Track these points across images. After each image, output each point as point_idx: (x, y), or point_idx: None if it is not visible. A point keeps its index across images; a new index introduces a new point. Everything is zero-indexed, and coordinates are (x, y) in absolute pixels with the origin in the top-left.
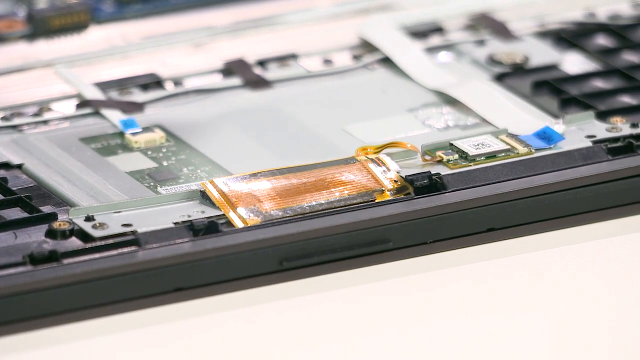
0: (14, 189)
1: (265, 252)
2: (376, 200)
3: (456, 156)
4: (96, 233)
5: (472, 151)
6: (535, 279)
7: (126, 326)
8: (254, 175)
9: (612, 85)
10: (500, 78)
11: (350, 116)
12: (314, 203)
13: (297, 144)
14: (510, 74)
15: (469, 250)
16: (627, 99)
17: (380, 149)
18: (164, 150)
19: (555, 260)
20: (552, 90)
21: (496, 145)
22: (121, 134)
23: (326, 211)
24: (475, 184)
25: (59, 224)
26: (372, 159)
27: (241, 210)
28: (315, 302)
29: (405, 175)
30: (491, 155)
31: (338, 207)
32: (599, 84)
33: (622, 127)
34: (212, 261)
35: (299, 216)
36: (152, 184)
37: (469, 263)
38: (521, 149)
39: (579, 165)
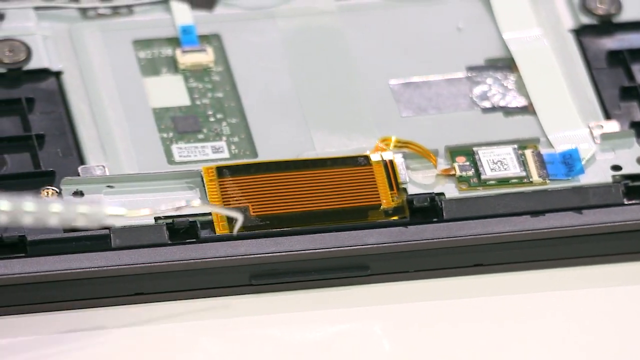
0: (32, 121)
1: (236, 269)
2: (368, 220)
3: (471, 172)
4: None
5: (486, 172)
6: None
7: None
8: (256, 167)
9: None
10: (579, 32)
11: (400, 66)
12: (302, 212)
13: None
14: (592, 29)
15: (452, 281)
16: None
17: (401, 145)
18: (205, 79)
19: (540, 302)
20: (624, 67)
21: (513, 167)
22: (176, 42)
23: (310, 227)
24: (475, 214)
25: (46, 191)
26: (384, 162)
27: (228, 211)
28: (284, 321)
29: (407, 195)
30: (504, 181)
31: (325, 223)
32: None
33: None
34: (179, 273)
35: (278, 230)
36: (170, 135)
37: (454, 298)
38: (536, 177)
39: (590, 207)
